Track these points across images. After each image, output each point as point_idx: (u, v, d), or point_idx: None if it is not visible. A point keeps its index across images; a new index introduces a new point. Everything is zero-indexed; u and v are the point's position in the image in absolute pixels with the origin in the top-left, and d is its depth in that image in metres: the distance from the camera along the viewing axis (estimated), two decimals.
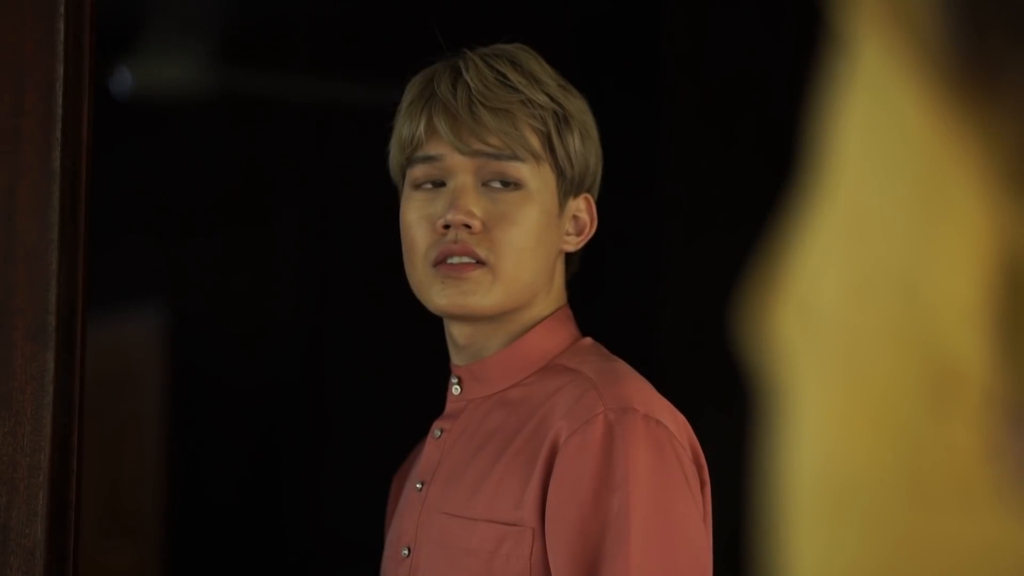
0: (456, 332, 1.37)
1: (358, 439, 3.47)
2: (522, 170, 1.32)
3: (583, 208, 1.41)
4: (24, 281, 1.45)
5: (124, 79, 4.54)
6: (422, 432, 1.52)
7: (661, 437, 1.25)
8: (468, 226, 1.30)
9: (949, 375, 0.41)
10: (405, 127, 1.34)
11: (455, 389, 1.39)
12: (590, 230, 1.42)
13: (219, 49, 3.63)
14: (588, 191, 1.41)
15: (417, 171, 1.34)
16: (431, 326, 1.47)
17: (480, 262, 1.30)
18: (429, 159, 1.33)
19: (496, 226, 1.31)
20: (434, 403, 1.50)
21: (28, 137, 1.45)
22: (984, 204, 0.41)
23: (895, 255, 0.42)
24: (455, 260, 1.30)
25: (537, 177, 1.34)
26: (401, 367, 3.29)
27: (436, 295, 1.32)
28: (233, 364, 3.75)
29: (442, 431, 1.38)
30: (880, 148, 0.43)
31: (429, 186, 1.34)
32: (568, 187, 1.38)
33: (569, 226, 1.40)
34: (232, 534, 3.69)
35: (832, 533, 0.42)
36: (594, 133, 1.40)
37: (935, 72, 0.41)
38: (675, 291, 3.13)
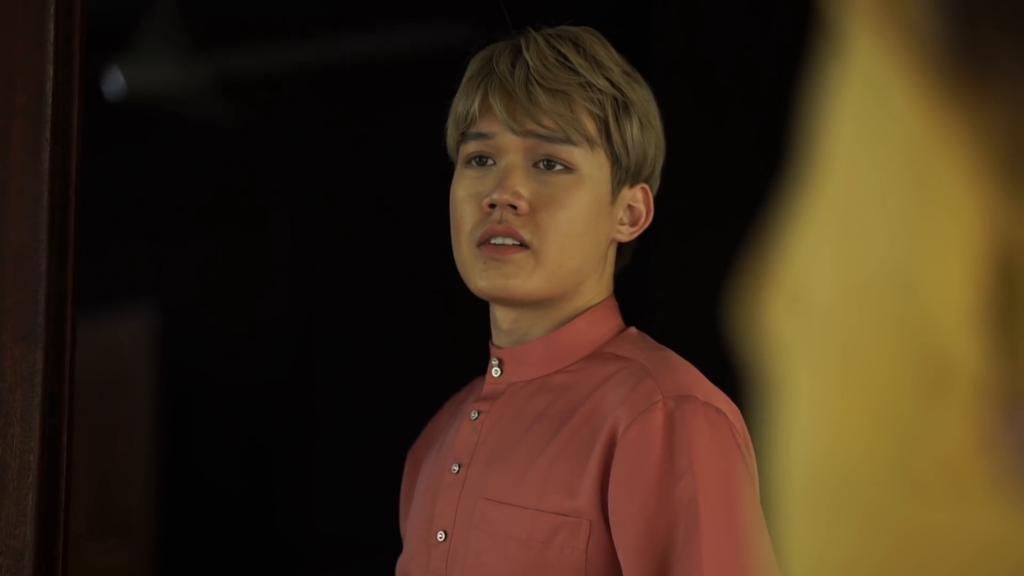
0: (500, 315, 1.34)
1: (348, 439, 3.46)
2: (574, 154, 1.29)
3: (640, 198, 1.37)
4: (14, 282, 1.44)
5: (115, 79, 4.53)
6: (411, 433, 1.51)
7: (720, 424, 1.24)
8: (514, 207, 1.27)
9: (944, 368, 0.41)
10: (461, 103, 1.31)
11: (495, 371, 1.35)
12: (645, 221, 1.38)
13: (210, 49, 3.62)
14: (646, 181, 1.38)
15: (469, 147, 1.32)
16: (421, 326, 1.46)
17: (523, 244, 1.27)
18: (481, 136, 1.30)
19: (543, 209, 1.28)
20: (424, 402, 1.49)
21: (18, 138, 1.45)
22: (977, 197, 0.40)
23: (888, 248, 0.42)
24: (498, 241, 1.27)
25: (590, 162, 1.31)
26: (391, 368, 3.28)
27: (478, 277, 1.29)
28: (223, 364, 3.74)
29: (479, 412, 1.35)
30: (873, 140, 0.43)
31: (479, 163, 1.31)
32: (623, 175, 1.34)
33: (624, 216, 1.37)
34: (222, 534, 3.68)
35: (827, 527, 0.42)
36: (656, 123, 1.36)
37: (928, 63, 0.41)
38: (667, 285, 3.13)
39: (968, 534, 0.39)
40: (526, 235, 1.27)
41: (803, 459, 0.41)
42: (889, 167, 0.42)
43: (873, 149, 0.42)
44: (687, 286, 2.98)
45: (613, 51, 1.33)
